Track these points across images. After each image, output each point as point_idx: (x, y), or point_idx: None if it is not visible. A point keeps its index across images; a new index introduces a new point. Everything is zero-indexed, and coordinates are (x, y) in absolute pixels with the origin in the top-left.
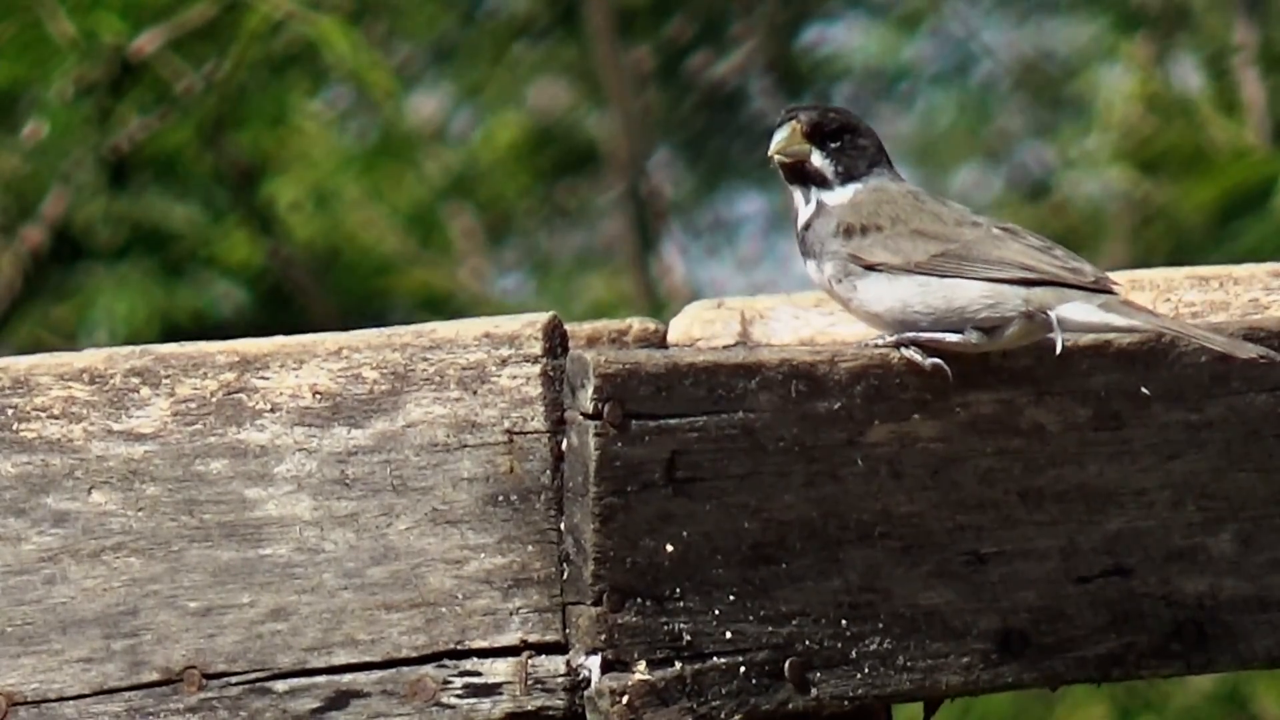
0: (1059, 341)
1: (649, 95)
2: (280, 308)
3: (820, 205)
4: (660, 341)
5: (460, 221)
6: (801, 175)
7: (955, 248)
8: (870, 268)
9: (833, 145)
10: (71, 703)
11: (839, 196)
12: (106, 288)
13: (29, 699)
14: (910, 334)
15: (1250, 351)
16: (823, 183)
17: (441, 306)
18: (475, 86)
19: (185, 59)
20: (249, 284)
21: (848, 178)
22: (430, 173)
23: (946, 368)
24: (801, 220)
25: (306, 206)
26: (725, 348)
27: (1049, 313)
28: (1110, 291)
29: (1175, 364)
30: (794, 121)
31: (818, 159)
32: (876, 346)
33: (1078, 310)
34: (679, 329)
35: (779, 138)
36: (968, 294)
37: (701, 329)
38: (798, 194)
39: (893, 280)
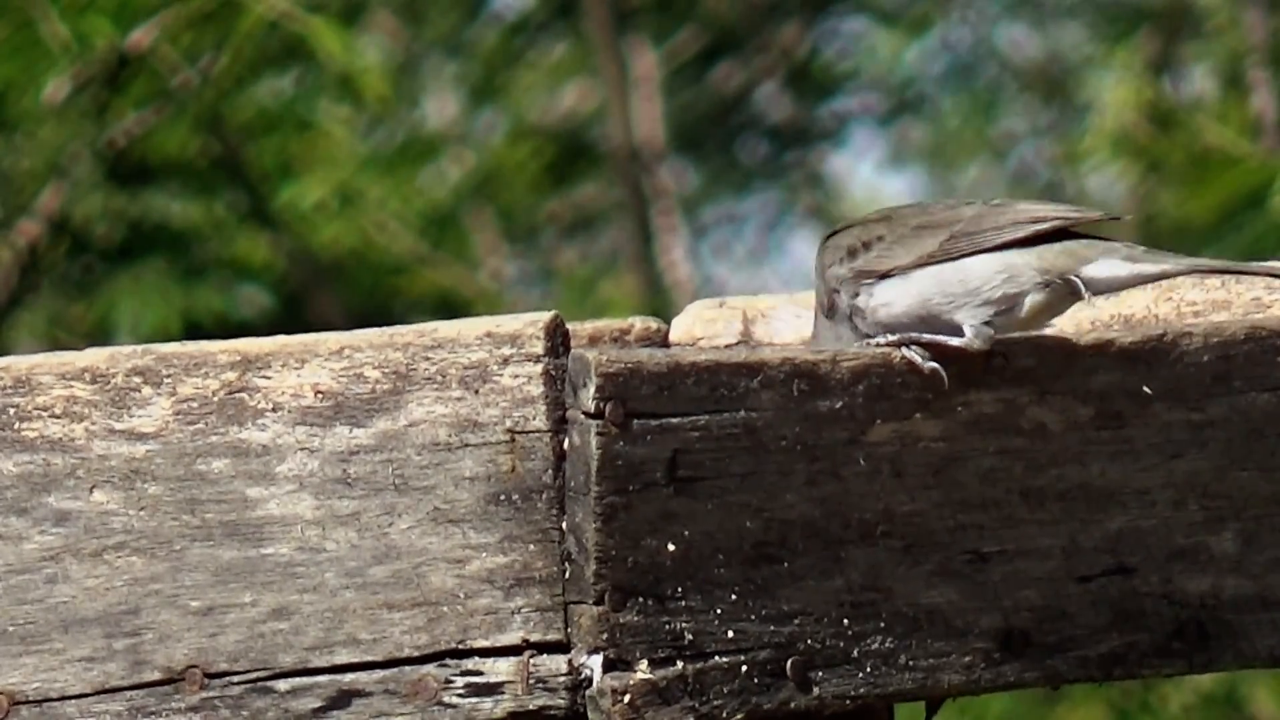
0: (1088, 298)
1: (655, 93)
2: (303, 310)
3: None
4: (662, 341)
5: (478, 223)
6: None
7: (961, 226)
8: (884, 275)
9: None
10: (73, 702)
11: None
12: (126, 289)
13: (30, 698)
14: (912, 334)
15: None
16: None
17: (460, 310)
18: (483, 87)
19: (181, 53)
20: (272, 287)
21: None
22: (450, 175)
23: (943, 373)
24: (822, 338)
25: (331, 207)
26: (727, 347)
27: (1071, 276)
28: (1122, 243)
29: (1177, 363)
30: None
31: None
32: (878, 346)
33: (1103, 267)
34: (681, 328)
35: None
36: (982, 272)
37: (703, 328)
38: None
39: (907, 278)
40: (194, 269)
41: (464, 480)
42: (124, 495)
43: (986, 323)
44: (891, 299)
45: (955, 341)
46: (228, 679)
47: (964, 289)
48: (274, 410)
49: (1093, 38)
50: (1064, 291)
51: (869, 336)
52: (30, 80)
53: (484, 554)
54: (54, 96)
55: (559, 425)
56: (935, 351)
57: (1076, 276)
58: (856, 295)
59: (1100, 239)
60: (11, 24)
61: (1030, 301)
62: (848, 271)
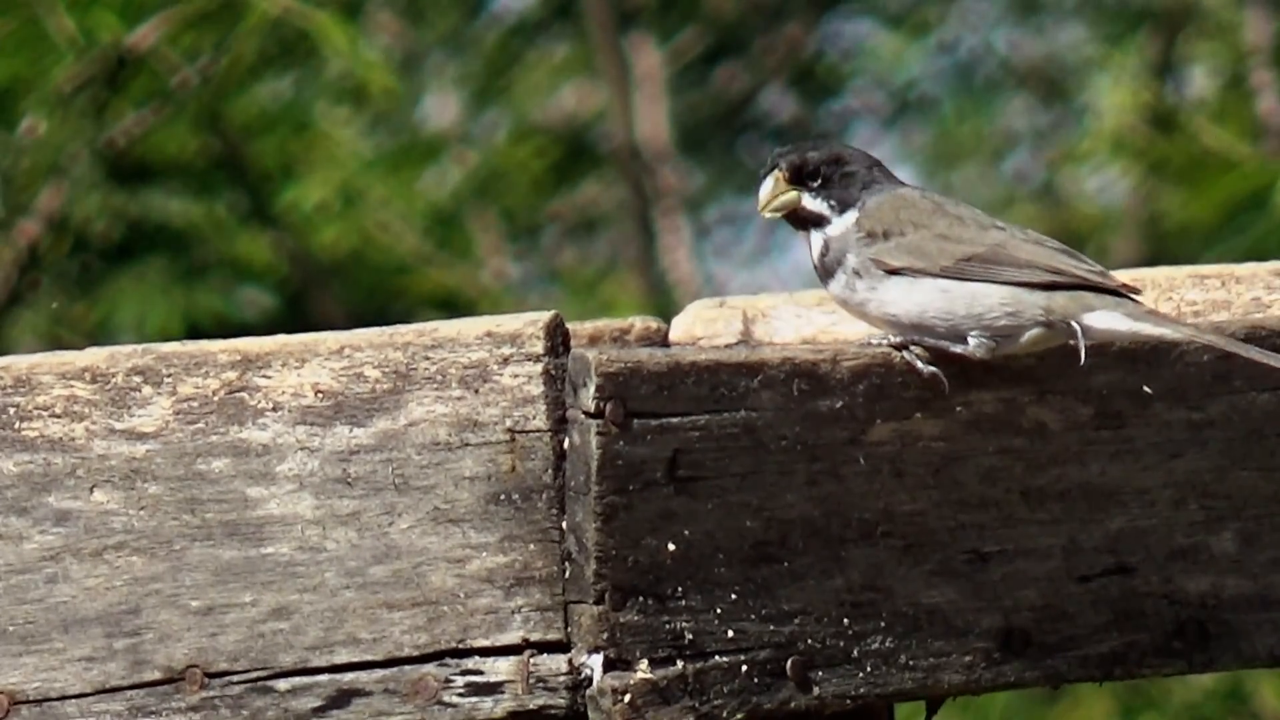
0: (1083, 351)
1: (658, 93)
2: (305, 312)
3: (828, 240)
4: (662, 340)
5: (480, 223)
6: (800, 220)
7: (982, 251)
8: (893, 272)
9: (817, 184)
10: (73, 701)
11: (841, 225)
12: (128, 290)
13: (31, 698)
14: (914, 337)
15: None
16: (821, 221)
17: (463, 311)
18: (485, 87)
19: (182, 52)
20: (273, 288)
21: (844, 207)
22: (452, 175)
23: (943, 379)
24: (815, 253)
25: (333, 207)
26: (727, 346)
27: (1072, 322)
28: (1135, 298)
29: (1177, 363)
30: (775, 172)
31: (808, 201)
32: (879, 345)
33: (1104, 319)
34: (681, 328)
35: (764, 193)
36: (987, 301)
37: (704, 328)
38: (803, 235)
39: (914, 284)
40: (195, 269)
41: (464, 480)
42: (124, 495)
43: (990, 338)
44: (890, 301)
45: (957, 348)
46: (228, 679)
47: (966, 311)
48: (274, 410)
49: (1093, 37)
50: (1063, 331)
51: (855, 298)
52: (36, 75)
53: (484, 553)
54: (55, 94)
55: (559, 425)
56: (935, 355)
57: (1077, 322)
58: (860, 278)
59: (1115, 292)
60: (17, 19)
61: (1029, 336)
62: (863, 251)
